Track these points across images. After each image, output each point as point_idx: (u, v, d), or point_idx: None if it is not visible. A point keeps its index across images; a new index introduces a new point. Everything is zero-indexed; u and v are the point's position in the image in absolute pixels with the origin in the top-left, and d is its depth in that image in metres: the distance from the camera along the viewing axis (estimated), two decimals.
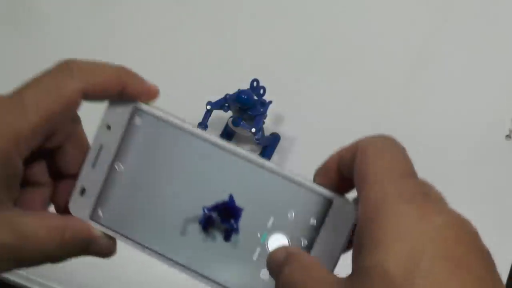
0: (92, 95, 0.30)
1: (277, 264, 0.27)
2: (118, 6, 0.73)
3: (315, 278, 0.25)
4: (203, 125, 0.55)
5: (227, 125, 0.62)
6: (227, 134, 0.64)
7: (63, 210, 0.33)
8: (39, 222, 0.30)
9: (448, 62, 0.67)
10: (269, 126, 0.64)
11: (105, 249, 0.33)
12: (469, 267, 0.22)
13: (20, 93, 0.28)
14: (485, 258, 0.23)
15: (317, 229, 0.30)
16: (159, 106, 0.32)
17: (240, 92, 0.54)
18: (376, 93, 0.66)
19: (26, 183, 0.33)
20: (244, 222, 0.31)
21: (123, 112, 0.31)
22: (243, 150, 0.31)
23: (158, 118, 0.32)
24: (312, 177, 0.31)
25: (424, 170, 0.27)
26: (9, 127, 0.27)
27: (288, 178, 0.31)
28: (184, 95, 0.65)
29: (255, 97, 0.55)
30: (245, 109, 0.55)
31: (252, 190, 0.31)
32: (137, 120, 0.32)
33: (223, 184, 0.31)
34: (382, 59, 0.68)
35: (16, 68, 0.70)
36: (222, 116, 0.59)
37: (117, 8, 0.73)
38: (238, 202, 0.31)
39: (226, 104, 0.56)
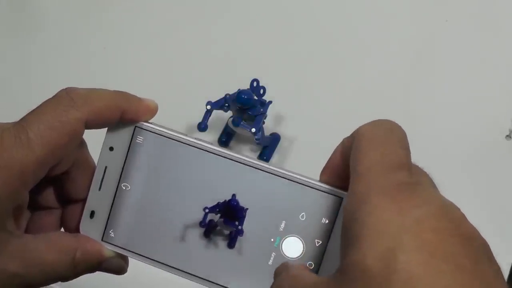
0: (93, 125, 0.30)
1: (274, 277, 0.28)
2: (117, 6, 0.73)
3: (300, 283, 0.25)
4: (203, 125, 0.55)
5: (227, 125, 0.62)
6: (227, 134, 0.64)
7: (74, 232, 0.33)
8: (49, 246, 0.30)
9: (448, 62, 0.67)
10: (269, 126, 0.64)
11: (117, 268, 0.33)
12: (446, 256, 0.21)
13: (24, 126, 0.28)
14: (468, 245, 0.22)
15: (330, 227, 0.30)
16: (158, 122, 0.32)
17: (240, 92, 0.54)
18: (376, 92, 0.65)
19: (37, 207, 0.33)
20: (256, 228, 0.31)
21: (124, 133, 0.32)
22: (247, 157, 0.31)
23: (158, 135, 0.32)
24: (316, 175, 0.31)
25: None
26: (15, 161, 0.27)
27: (295, 181, 0.31)
28: (184, 95, 0.65)
29: (255, 97, 0.55)
30: (245, 109, 0.55)
31: (260, 197, 0.31)
32: (139, 139, 0.32)
33: (230, 192, 0.31)
34: (382, 59, 0.67)
35: (16, 68, 0.70)
36: (222, 116, 0.59)
37: (117, 8, 0.73)
38: (249, 209, 0.31)
39: (226, 104, 0.56)
